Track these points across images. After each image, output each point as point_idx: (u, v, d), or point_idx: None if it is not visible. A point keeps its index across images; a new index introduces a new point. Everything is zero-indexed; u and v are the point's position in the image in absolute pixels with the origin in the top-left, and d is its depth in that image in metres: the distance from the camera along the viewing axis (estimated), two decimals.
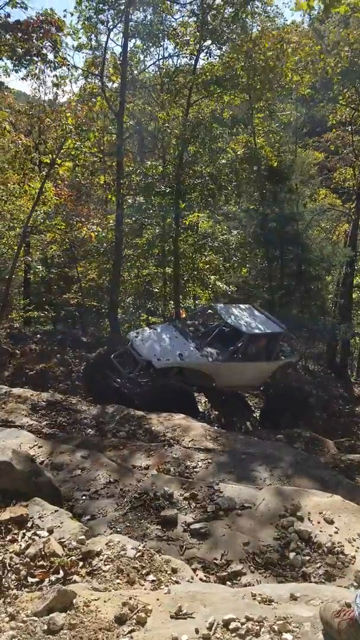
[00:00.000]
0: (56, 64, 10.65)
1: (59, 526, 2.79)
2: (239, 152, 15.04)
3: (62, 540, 2.67)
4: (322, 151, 21.28)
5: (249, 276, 15.10)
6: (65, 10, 23.45)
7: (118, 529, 3.26)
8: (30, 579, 2.38)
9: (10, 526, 2.76)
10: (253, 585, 2.73)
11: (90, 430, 5.97)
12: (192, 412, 7.22)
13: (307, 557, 3.06)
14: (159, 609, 2.06)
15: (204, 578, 2.88)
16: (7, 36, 9.82)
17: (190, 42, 13.25)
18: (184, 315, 13.09)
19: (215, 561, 3.06)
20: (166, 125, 14.37)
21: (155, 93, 16.52)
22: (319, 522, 3.35)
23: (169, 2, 13.26)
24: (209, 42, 12.94)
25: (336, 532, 3.24)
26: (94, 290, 17.31)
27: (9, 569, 2.44)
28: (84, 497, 3.75)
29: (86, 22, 12.37)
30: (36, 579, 2.38)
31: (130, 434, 5.82)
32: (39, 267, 15.80)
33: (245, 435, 6.81)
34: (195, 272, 15.77)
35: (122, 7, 12.20)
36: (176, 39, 13.48)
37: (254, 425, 9.17)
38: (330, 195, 19.89)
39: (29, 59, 10.25)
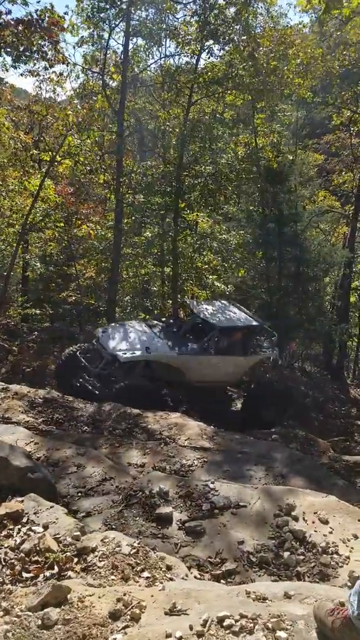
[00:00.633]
0: (55, 61, 10.58)
1: (54, 522, 2.80)
2: (239, 152, 15.04)
3: (57, 536, 2.68)
4: (322, 153, 21.32)
5: (247, 276, 15.09)
6: (67, 7, 23.44)
7: (113, 526, 3.26)
8: (25, 574, 2.39)
9: (5, 521, 2.77)
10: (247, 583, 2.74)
11: (86, 427, 5.97)
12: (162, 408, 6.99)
13: (302, 557, 3.08)
14: (153, 606, 2.07)
15: (199, 576, 2.89)
16: (7, 33, 9.77)
17: (192, 42, 13.23)
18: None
19: (209, 559, 3.07)
20: (167, 124, 14.38)
21: (156, 92, 16.52)
22: (313, 522, 3.36)
23: (171, 2, 13.25)
24: (211, 42, 12.94)
25: (331, 532, 3.25)
26: (92, 289, 17.27)
27: (3, 564, 2.44)
28: (79, 494, 3.75)
29: (87, 19, 12.33)
30: (31, 574, 2.39)
31: (127, 432, 5.83)
32: (37, 264, 15.76)
33: (241, 434, 6.82)
34: (194, 272, 15.76)
35: (124, 7, 12.19)
36: (178, 39, 13.46)
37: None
38: (329, 197, 19.91)
39: (28, 55, 10.20)
